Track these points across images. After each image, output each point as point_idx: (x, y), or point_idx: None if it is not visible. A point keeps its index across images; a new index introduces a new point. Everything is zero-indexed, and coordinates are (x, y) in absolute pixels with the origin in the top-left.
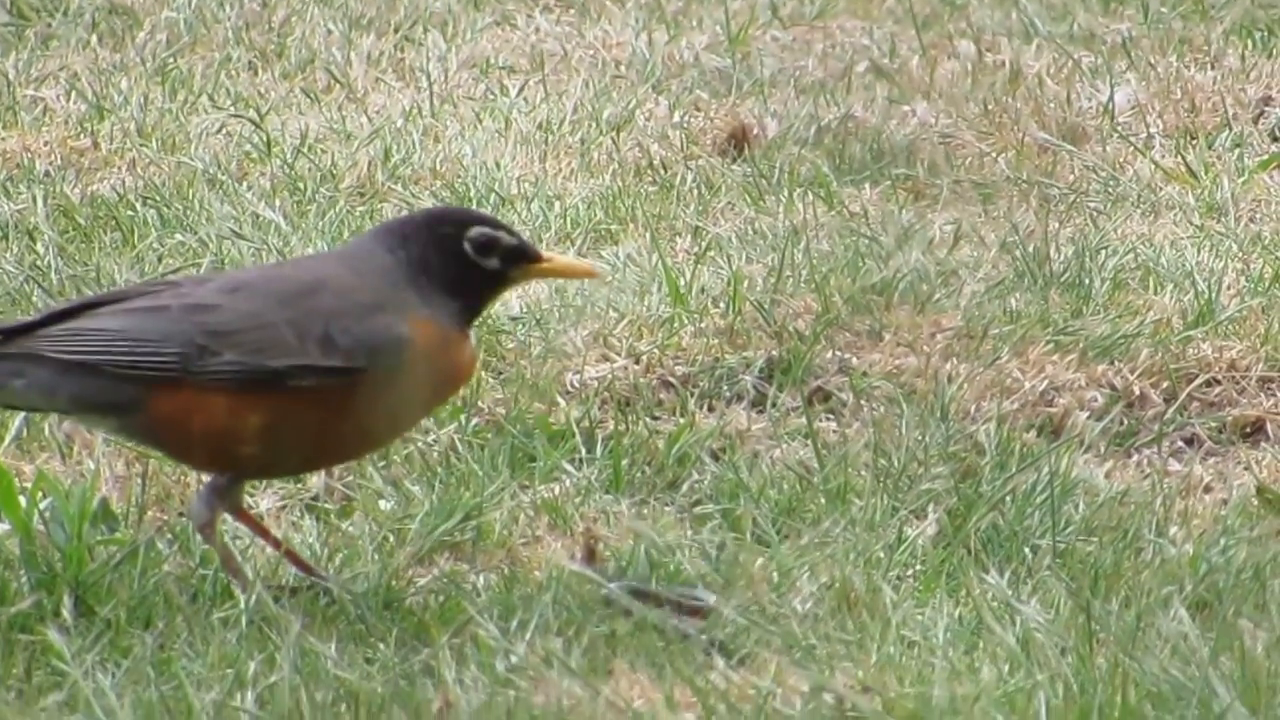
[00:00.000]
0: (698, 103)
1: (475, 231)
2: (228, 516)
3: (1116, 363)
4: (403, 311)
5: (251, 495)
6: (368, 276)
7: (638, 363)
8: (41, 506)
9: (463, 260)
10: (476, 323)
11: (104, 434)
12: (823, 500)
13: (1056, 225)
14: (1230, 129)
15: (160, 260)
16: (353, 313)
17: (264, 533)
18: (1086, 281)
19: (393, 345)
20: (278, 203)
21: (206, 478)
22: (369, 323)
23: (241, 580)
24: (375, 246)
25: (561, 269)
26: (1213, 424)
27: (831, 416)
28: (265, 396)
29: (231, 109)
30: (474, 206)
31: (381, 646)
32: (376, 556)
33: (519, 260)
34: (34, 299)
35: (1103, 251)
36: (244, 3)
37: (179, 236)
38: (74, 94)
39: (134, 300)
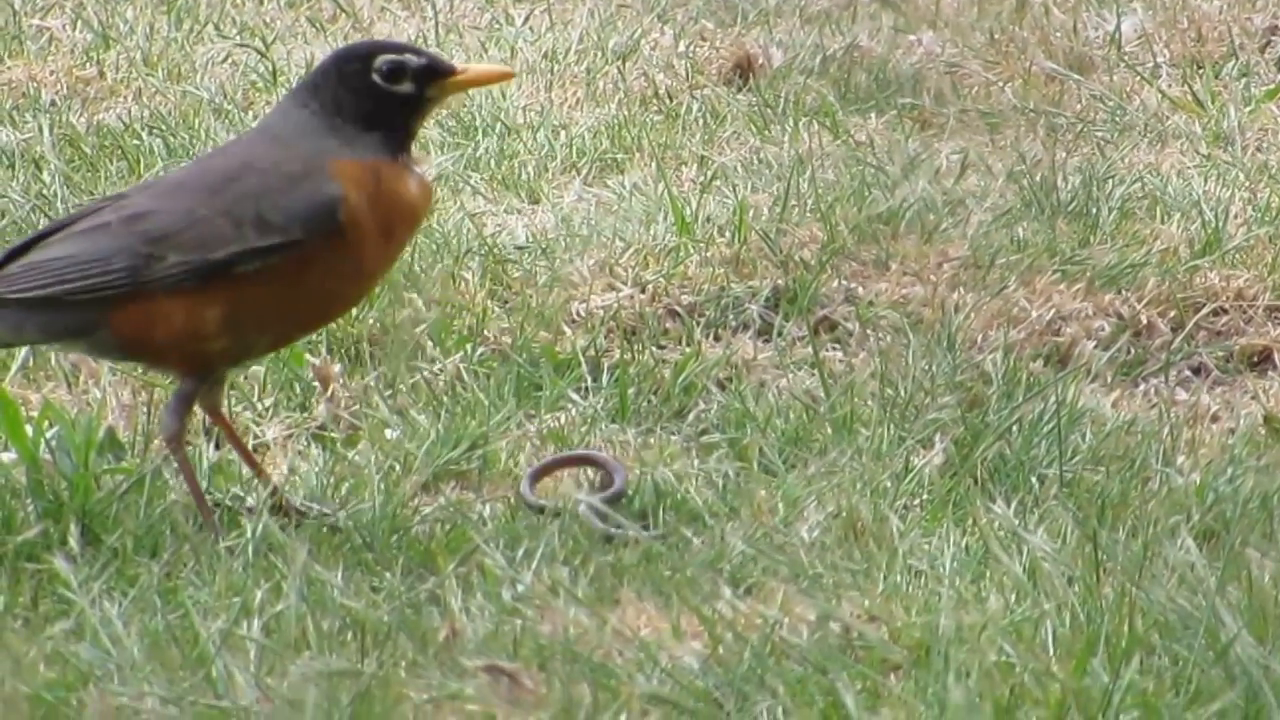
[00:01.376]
0: (703, 32)
1: (381, 60)
2: (205, 419)
3: (1124, 292)
4: (324, 168)
5: (257, 424)
6: (288, 141)
7: (644, 292)
8: (48, 435)
9: (375, 92)
10: (411, 150)
11: (81, 355)
12: (829, 430)
13: (1063, 154)
14: (1237, 58)
15: (167, 174)
16: (279, 187)
17: (239, 444)
18: (1093, 211)
19: (326, 208)
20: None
21: (173, 387)
22: (296, 192)
23: (201, 501)
24: (290, 106)
25: (476, 78)
26: (1220, 353)
27: (838, 346)
28: (218, 289)
29: (237, 38)
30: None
31: (387, 575)
32: (382, 485)
33: (432, 79)
34: (40, 227)
35: (1110, 181)
36: None
37: (184, 165)
38: (80, 23)
39: (80, 223)
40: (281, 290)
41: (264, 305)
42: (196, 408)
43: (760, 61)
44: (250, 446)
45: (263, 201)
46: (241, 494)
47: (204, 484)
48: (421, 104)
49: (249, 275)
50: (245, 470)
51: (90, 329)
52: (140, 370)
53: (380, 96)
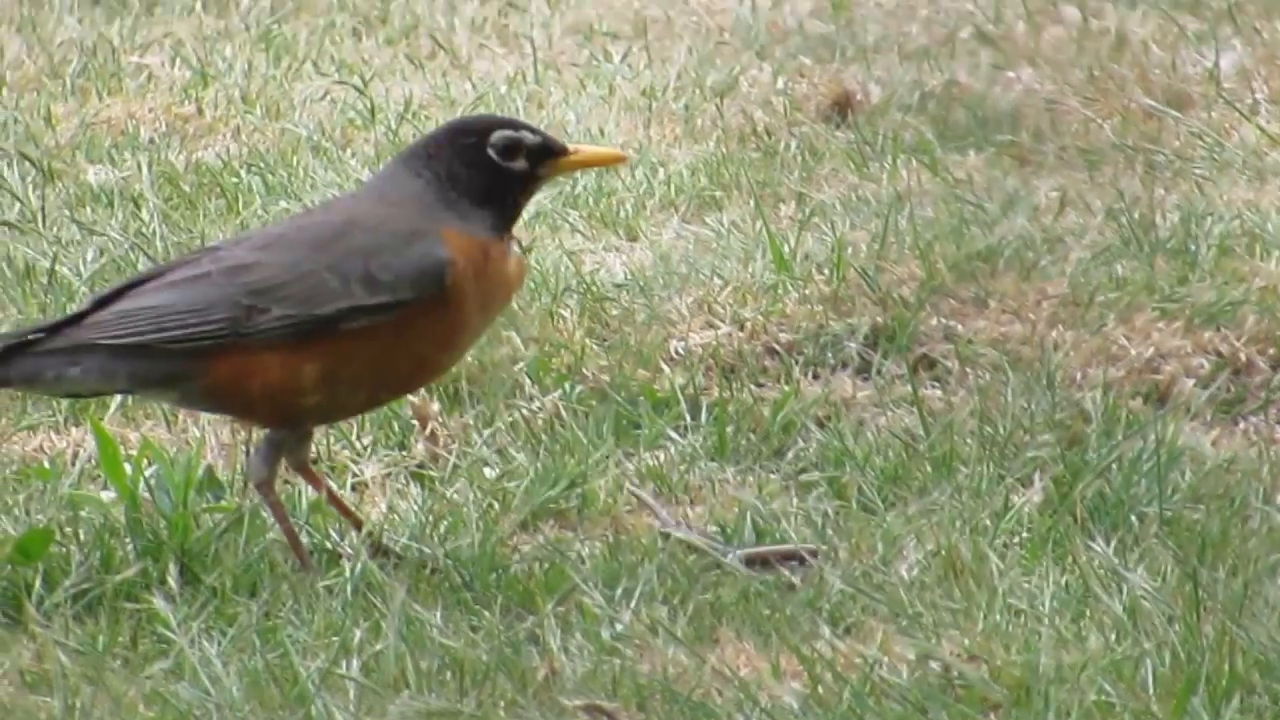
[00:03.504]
0: (801, 69)
1: (497, 136)
2: (298, 478)
3: (1223, 329)
4: (438, 233)
5: (355, 463)
6: (399, 204)
7: (742, 329)
8: (147, 474)
9: (490, 167)
10: (514, 228)
11: (168, 405)
12: (928, 468)
13: (1162, 191)
14: None
15: (264, 227)
16: (390, 246)
17: (332, 496)
18: (1192, 248)
19: (434, 270)
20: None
21: (263, 434)
22: (407, 253)
23: (296, 543)
24: (402, 171)
25: (589, 159)
26: None
27: (937, 384)
28: (318, 345)
29: (335, 75)
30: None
31: (486, 614)
32: (481, 524)
33: (545, 157)
34: (139, 266)
35: (1208, 218)
36: None
37: (283, 203)
38: (178, 60)
39: (174, 272)
40: (379, 350)
41: (361, 364)
42: (283, 463)
43: (859, 98)
44: (349, 485)
45: (372, 260)
46: (339, 535)
47: (302, 522)
48: (533, 182)
49: (350, 332)
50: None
51: (182, 378)
52: (199, 412)
53: (494, 172)
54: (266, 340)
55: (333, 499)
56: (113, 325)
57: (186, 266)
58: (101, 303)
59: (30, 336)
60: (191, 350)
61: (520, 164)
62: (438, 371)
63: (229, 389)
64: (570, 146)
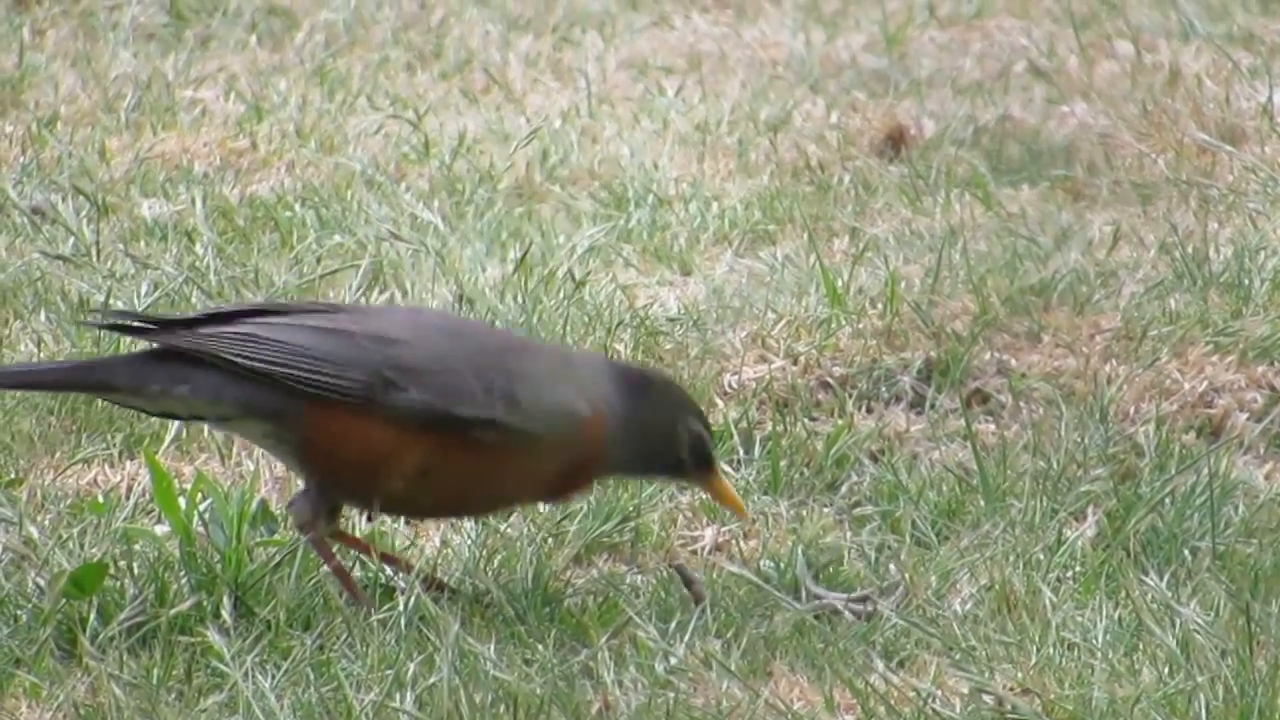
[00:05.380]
0: (855, 103)
1: (693, 424)
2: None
3: (1276, 363)
4: (586, 393)
5: None
6: (576, 371)
7: (795, 363)
8: (201, 508)
9: (665, 437)
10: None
11: (250, 440)
12: (982, 502)
13: (1216, 226)
14: None
15: (318, 261)
16: (535, 379)
17: (377, 552)
18: (1246, 282)
19: (569, 416)
20: (436, 204)
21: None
22: (550, 391)
23: (346, 579)
24: (607, 370)
25: (723, 493)
26: None
27: (990, 418)
28: (432, 439)
29: (389, 110)
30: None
31: (540, 648)
32: (535, 558)
33: (700, 468)
34: (193, 300)
35: (1262, 252)
36: (402, 3)
37: (337, 237)
38: (232, 95)
39: (305, 317)
40: (478, 466)
41: (456, 472)
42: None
43: (912, 132)
44: (403, 519)
45: (519, 383)
46: (390, 571)
47: (354, 557)
48: (678, 474)
49: (467, 440)
50: (396, 543)
51: (287, 418)
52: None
53: (666, 443)
54: (389, 415)
55: (382, 555)
56: (239, 344)
57: (320, 316)
58: (214, 319)
59: (142, 324)
60: (314, 396)
61: (686, 456)
62: (498, 508)
63: (326, 445)
64: (717, 472)
